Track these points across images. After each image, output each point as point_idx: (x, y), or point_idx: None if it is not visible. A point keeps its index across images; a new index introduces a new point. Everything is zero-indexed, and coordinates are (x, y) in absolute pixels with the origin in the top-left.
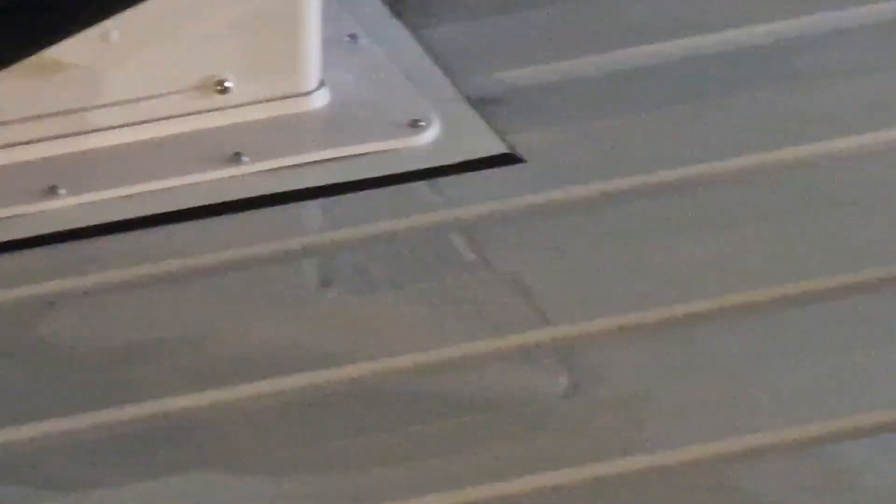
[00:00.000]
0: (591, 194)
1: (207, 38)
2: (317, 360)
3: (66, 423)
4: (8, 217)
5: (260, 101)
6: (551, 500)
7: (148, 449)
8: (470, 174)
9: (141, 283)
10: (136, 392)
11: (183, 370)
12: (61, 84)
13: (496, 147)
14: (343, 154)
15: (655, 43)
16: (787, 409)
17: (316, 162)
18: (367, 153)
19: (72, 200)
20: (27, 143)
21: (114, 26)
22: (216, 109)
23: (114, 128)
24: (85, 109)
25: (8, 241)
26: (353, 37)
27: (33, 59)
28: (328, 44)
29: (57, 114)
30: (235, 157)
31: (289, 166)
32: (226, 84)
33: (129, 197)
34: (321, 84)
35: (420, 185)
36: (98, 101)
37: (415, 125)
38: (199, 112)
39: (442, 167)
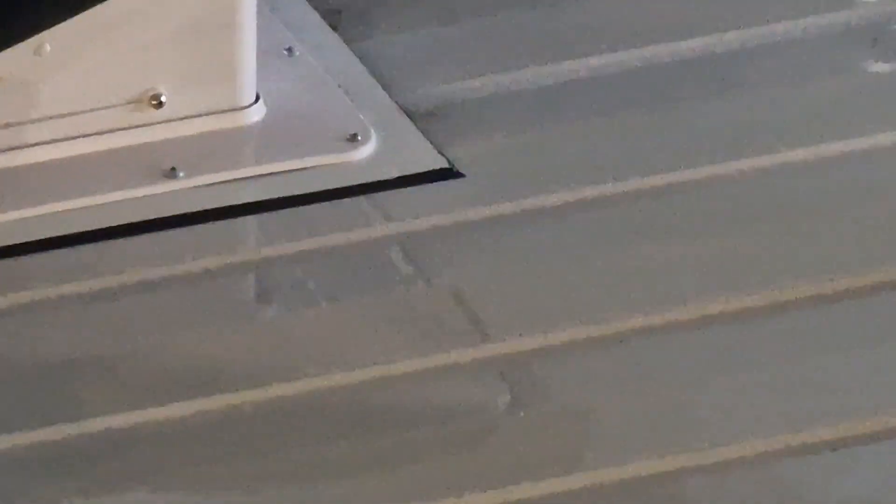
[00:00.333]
0: (530, 208)
1: (142, 51)
2: (255, 375)
3: (3, 441)
4: None
5: (195, 116)
6: None
7: (86, 467)
8: (409, 188)
9: (78, 299)
10: (73, 409)
11: (121, 387)
12: None
13: (435, 161)
14: (280, 169)
15: (595, 55)
16: (731, 425)
17: (253, 177)
18: (304, 168)
19: (5, 217)
20: None
21: (46, 39)
22: (151, 124)
23: (48, 142)
24: (18, 124)
25: None
26: (289, 50)
27: None
28: (264, 57)
29: None
30: (171, 172)
31: (225, 181)
32: (161, 98)
33: (64, 213)
34: (257, 98)
35: (358, 200)
36: (31, 115)
37: (352, 139)
38: (134, 126)
39: (380, 182)
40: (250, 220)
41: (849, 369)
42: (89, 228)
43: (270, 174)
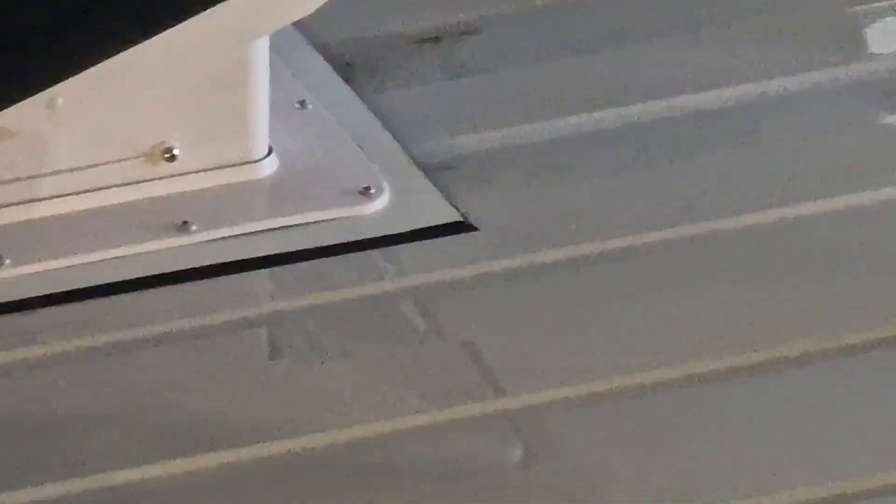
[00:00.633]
0: (544, 262)
1: (154, 105)
2: (267, 431)
3: (10, 497)
4: None
5: (208, 169)
6: None
7: None
8: (422, 242)
9: (88, 354)
10: (81, 465)
11: (132, 442)
12: (6, 152)
13: (448, 215)
14: (292, 222)
15: (607, 108)
16: (745, 482)
17: (266, 230)
18: (317, 221)
19: (17, 271)
20: None
21: (59, 93)
22: (164, 177)
23: (60, 196)
24: (31, 178)
25: None
26: (302, 103)
27: None
28: (277, 110)
29: (2, 182)
30: (184, 226)
31: (238, 235)
32: (173, 151)
33: (75, 267)
34: (270, 151)
35: (371, 254)
36: (44, 169)
37: (365, 192)
38: (147, 180)
39: (393, 235)
40: (263, 274)
41: (856, 425)
42: (101, 283)
43: (283, 228)
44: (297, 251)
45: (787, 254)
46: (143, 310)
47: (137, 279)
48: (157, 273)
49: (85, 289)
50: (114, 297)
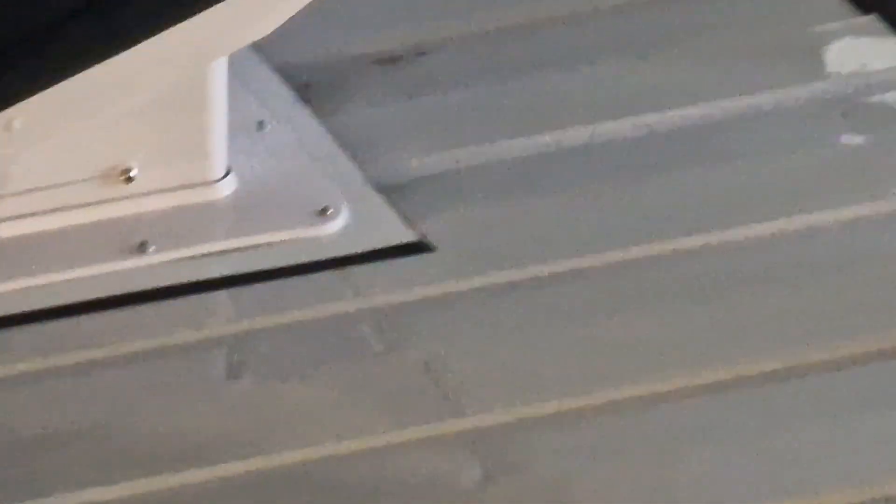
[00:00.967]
0: (502, 281)
1: (112, 126)
2: (226, 451)
3: None
4: None
5: (166, 190)
6: None
7: None
8: (380, 263)
9: (47, 374)
10: (42, 486)
11: (91, 463)
12: None
13: (405, 235)
14: (250, 243)
15: (566, 128)
16: (708, 495)
17: (223, 251)
18: (275, 242)
19: None
20: None
21: (16, 115)
22: (122, 198)
23: (17, 217)
24: None
25: None
26: (260, 124)
27: None
28: (235, 131)
29: None
30: (142, 247)
31: (196, 256)
32: (131, 173)
33: (33, 288)
34: (228, 172)
35: (329, 274)
36: (1, 190)
37: (323, 213)
38: (105, 201)
39: (351, 256)
40: (221, 295)
41: (829, 440)
42: (59, 304)
43: (241, 248)
44: (256, 272)
45: (748, 272)
46: (101, 331)
47: (96, 300)
48: (115, 294)
49: (43, 310)
50: (72, 319)
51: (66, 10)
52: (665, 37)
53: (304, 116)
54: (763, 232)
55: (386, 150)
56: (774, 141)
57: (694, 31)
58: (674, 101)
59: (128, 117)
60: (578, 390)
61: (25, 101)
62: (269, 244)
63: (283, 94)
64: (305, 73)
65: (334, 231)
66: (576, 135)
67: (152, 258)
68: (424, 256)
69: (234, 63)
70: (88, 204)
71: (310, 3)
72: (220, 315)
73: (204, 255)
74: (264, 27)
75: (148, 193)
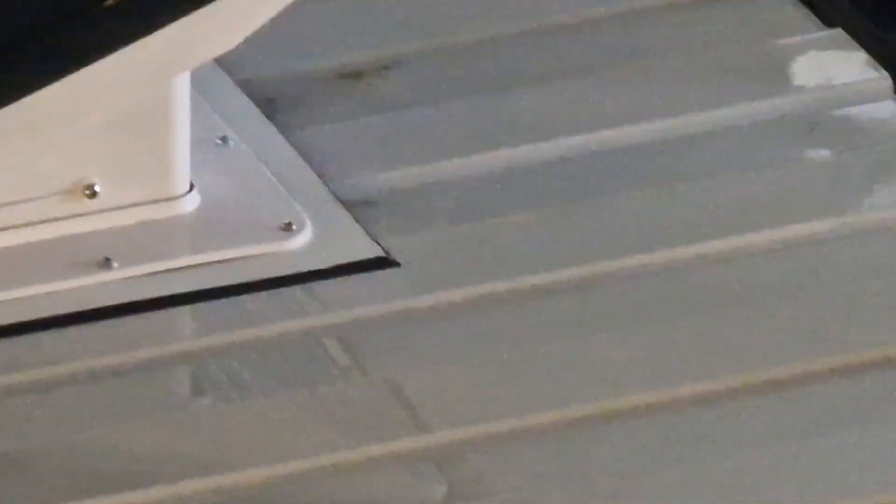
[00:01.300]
0: (467, 298)
1: (75, 141)
2: (189, 469)
3: None
4: None
5: (129, 206)
6: None
7: None
8: (344, 278)
9: (7, 391)
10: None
11: (51, 481)
12: None
13: (370, 251)
14: (214, 259)
15: (529, 144)
16: None
17: (187, 267)
18: (239, 257)
19: None
20: None
21: None
22: (85, 214)
23: None
24: None
25: None
26: (223, 139)
27: None
28: (198, 146)
29: None
30: (105, 263)
31: (159, 272)
32: (94, 188)
33: None
34: (192, 187)
35: (293, 290)
36: None
37: (287, 228)
38: (67, 217)
39: (315, 271)
40: (185, 311)
41: (799, 458)
42: (21, 320)
43: (205, 264)
44: (219, 287)
45: (710, 289)
46: (64, 347)
47: (59, 316)
48: (78, 310)
49: (4, 326)
50: (35, 335)
51: (27, 27)
52: (628, 53)
53: (268, 131)
54: (729, 247)
55: (350, 165)
56: (740, 156)
57: (658, 47)
58: (638, 117)
59: (91, 133)
60: (544, 407)
61: None
62: (233, 260)
63: (246, 109)
64: (269, 87)
65: (298, 246)
66: (538, 152)
67: (116, 274)
68: (389, 272)
69: (198, 78)
70: (51, 220)
71: (274, 18)
72: (184, 332)
73: (168, 271)
74: (228, 42)
75: (111, 209)
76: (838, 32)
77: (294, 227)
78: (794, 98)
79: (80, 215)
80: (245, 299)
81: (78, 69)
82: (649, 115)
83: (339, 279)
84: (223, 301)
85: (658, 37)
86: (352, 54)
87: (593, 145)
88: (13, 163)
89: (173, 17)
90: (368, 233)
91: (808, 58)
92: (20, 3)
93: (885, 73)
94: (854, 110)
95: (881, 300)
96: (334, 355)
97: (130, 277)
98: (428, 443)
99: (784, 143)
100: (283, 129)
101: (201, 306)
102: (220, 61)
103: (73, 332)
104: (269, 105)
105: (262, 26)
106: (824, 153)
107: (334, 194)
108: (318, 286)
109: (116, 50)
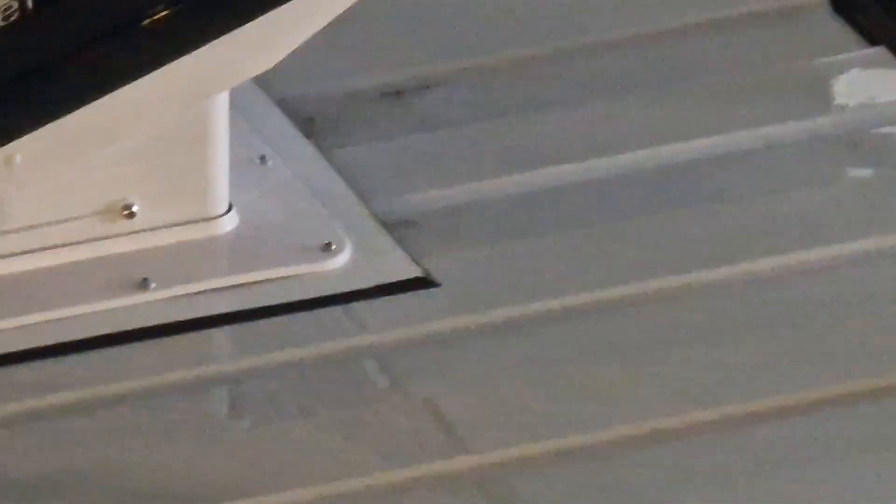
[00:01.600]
0: (507, 319)
1: (113, 161)
2: (228, 490)
3: None
4: None
5: (167, 226)
6: None
7: None
8: (383, 299)
9: (47, 414)
10: None
11: (92, 502)
12: None
13: (410, 271)
14: (253, 279)
15: (572, 163)
16: None
17: (225, 288)
18: (278, 278)
19: None
20: None
21: (17, 150)
22: (123, 234)
23: (18, 254)
24: None
25: None
26: (262, 158)
27: None
28: (237, 166)
29: None
30: (143, 283)
31: (198, 292)
32: (133, 209)
33: (33, 326)
34: (230, 208)
35: (332, 311)
36: (1, 227)
37: (326, 249)
38: (106, 237)
39: (354, 292)
40: (223, 332)
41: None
42: (60, 341)
43: (243, 285)
44: (258, 308)
45: (753, 309)
46: (102, 369)
47: (96, 337)
48: (116, 331)
49: (43, 348)
50: (72, 356)
51: (64, 48)
52: (669, 72)
53: (306, 151)
54: (772, 267)
55: (390, 185)
56: (781, 175)
57: (700, 65)
58: (678, 136)
59: (129, 153)
60: (585, 428)
61: (27, 137)
62: (272, 280)
63: (285, 129)
64: (308, 107)
65: (337, 267)
66: (581, 171)
67: (154, 295)
68: (429, 292)
69: (236, 98)
70: (89, 240)
71: (312, 37)
72: (222, 353)
73: (205, 292)
74: (266, 61)
75: (149, 230)
76: (881, 50)
77: (333, 247)
78: (836, 116)
79: (118, 236)
80: (284, 320)
81: (115, 89)
82: (691, 135)
83: (379, 300)
84: (262, 322)
85: (700, 55)
86: (391, 74)
87: (638, 164)
88: (51, 183)
89: (211, 36)
90: (408, 253)
91: (850, 76)
92: (57, 23)
93: None
94: None
95: None
96: (373, 376)
97: (168, 298)
98: (468, 464)
99: (826, 162)
100: (322, 149)
101: (240, 327)
102: (259, 80)
103: (110, 353)
104: (308, 124)
105: (301, 45)
106: (866, 171)
107: (374, 214)
108: (358, 307)
109: (153, 70)
